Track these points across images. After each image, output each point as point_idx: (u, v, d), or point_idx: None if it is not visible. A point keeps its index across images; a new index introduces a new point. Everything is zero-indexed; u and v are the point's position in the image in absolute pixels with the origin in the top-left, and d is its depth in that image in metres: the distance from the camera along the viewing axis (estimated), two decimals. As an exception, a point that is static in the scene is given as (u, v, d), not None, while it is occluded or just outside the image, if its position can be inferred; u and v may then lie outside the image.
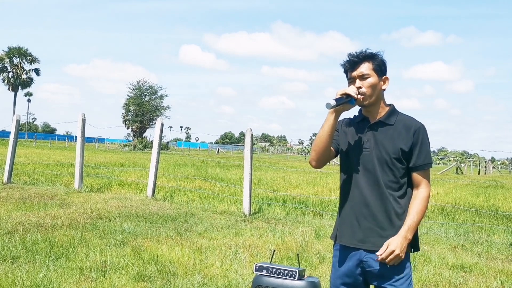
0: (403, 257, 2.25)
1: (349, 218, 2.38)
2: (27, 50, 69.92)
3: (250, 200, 8.36)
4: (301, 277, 2.36)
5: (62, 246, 5.22)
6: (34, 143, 47.87)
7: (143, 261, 4.88)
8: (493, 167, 46.39)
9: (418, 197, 2.32)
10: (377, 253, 2.25)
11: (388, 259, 2.23)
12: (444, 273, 5.21)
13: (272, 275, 2.40)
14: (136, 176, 13.68)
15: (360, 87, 2.31)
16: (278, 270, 2.39)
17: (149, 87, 62.28)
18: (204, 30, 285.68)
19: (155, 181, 9.49)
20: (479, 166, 46.31)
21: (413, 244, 2.35)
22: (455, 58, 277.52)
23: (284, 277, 2.37)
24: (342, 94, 2.27)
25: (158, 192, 9.89)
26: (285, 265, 2.49)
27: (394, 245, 2.22)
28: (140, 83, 62.04)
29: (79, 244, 5.38)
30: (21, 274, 4.25)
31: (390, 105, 2.41)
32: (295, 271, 2.36)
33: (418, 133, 2.31)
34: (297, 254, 3.01)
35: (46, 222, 6.43)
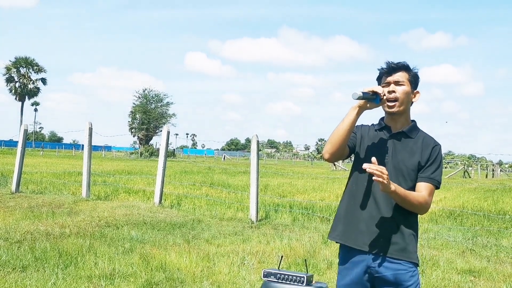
0: (385, 182, 2.12)
1: (356, 221, 2.38)
2: (33, 60, 70.60)
3: (257, 206, 8.37)
4: (309, 283, 2.37)
5: (71, 255, 5.25)
6: (41, 152, 48.13)
7: (151, 268, 4.90)
8: (500, 170, 46.10)
9: (417, 193, 2.33)
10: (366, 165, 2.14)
11: (374, 169, 2.11)
12: (453, 278, 5.18)
13: (280, 281, 2.40)
14: (143, 183, 13.73)
15: (393, 91, 2.36)
16: (286, 276, 2.40)
17: (155, 95, 62.75)
18: (209, 37, 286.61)
19: (162, 188, 9.53)
20: (487, 169, 46.06)
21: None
22: (465, 60, 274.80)
23: (292, 283, 2.37)
24: (369, 91, 2.29)
25: (165, 200, 9.92)
26: (293, 271, 2.49)
27: (386, 172, 2.14)
28: (146, 91, 62.50)
29: (88, 252, 5.41)
30: (31, 282, 4.28)
31: (413, 120, 2.47)
32: (303, 277, 2.36)
33: (435, 151, 2.37)
34: (305, 260, 3.02)
35: (54, 230, 6.47)
